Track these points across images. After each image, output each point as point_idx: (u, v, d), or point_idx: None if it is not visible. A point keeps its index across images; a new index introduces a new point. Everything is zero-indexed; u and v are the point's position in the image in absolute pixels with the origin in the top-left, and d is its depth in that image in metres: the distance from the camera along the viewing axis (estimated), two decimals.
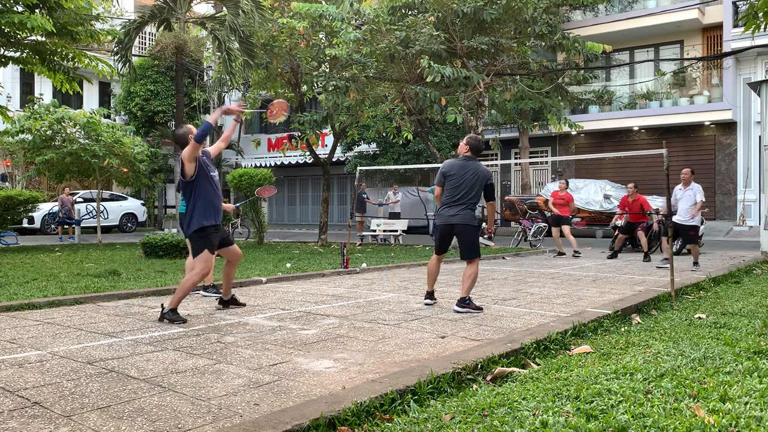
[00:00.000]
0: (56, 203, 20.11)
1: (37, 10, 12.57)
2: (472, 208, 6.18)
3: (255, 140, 20.92)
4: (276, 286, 7.94)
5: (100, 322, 5.31)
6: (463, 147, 6.39)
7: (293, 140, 18.51)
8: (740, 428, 2.60)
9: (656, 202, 17.45)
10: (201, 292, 6.91)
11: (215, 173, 5.70)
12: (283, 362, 3.94)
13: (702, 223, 13.46)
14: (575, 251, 12.53)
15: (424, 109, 15.04)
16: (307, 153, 17.86)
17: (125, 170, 16.08)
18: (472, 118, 14.08)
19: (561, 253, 12.65)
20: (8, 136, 15.20)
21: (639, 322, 5.30)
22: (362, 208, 17.93)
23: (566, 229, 12.79)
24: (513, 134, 23.16)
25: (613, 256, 12.23)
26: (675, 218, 10.09)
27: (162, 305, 5.45)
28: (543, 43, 13.97)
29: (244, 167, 18.32)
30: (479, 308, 5.97)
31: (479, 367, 3.67)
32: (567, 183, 13.49)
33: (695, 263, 10.03)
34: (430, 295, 6.39)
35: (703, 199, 10.10)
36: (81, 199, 21.17)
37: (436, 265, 6.36)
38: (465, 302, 5.96)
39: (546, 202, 19.55)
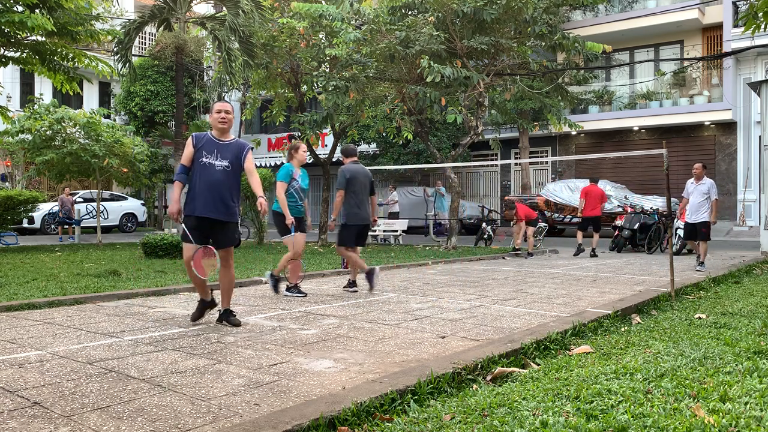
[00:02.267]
0: (56, 203, 20.11)
1: (37, 10, 12.57)
2: (368, 205, 7.33)
3: (255, 140, 20.92)
4: None
5: (100, 322, 5.31)
6: (346, 159, 7.38)
7: (293, 140, 18.51)
8: (740, 428, 2.60)
9: (656, 202, 17.49)
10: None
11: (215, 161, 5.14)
12: (283, 362, 3.94)
13: None
14: (522, 249, 13.05)
15: (424, 109, 15.04)
16: (307, 153, 17.85)
17: (125, 170, 16.08)
18: (472, 118, 14.09)
19: (530, 254, 12.93)
20: (8, 136, 15.20)
21: (639, 322, 5.30)
22: None
23: (530, 229, 13.11)
24: (513, 134, 23.16)
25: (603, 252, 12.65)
26: (686, 216, 10.03)
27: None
28: (543, 43, 13.97)
29: None
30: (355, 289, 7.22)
31: (479, 367, 3.67)
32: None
33: (701, 262, 9.77)
34: (352, 283, 7.33)
35: (718, 197, 9.88)
36: (81, 199, 21.16)
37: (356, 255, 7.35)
38: (354, 284, 7.25)
39: (546, 202, 19.60)
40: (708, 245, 10.09)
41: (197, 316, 5.30)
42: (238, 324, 5.15)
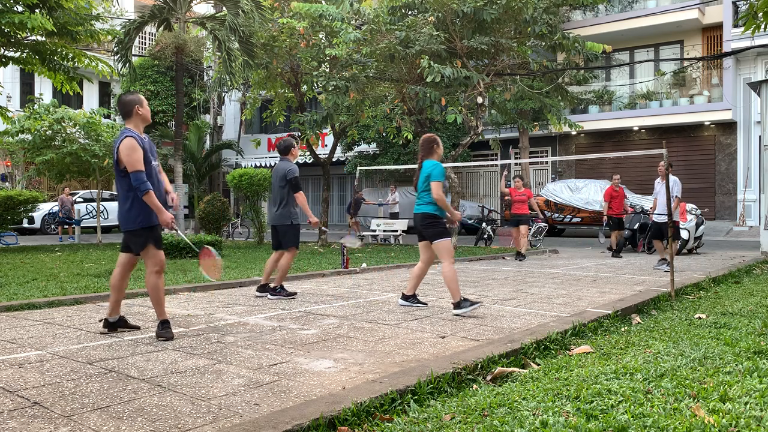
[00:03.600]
0: (56, 203, 20.12)
1: (37, 10, 12.57)
2: (284, 205, 6.80)
3: (255, 140, 20.95)
4: None
5: (100, 322, 5.30)
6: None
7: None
8: (740, 428, 2.60)
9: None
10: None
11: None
12: (283, 362, 3.94)
13: (703, 223, 13.47)
14: (519, 253, 12.04)
15: (424, 109, 15.04)
16: (307, 153, 17.86)
17: None
18: (472, 118, 14.09)
19: (521, 255, 12.05)
20: (8, 136, 15.21)
21: (639, 322, 5.30)
22: (356, 210, 17.94)
23: (524, 228, 12.15)
24: (513, 134, 23.16)
25: (615, 251, 12.51)
26: (654, 215, 10.16)
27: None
28: (543, 43, 13.97)
29: (244, 167, 18.33)
30: (292, 294, 6.78)
31: (479, 367, 3.67)
32: (522, 179, 12.75)
33: (662, 260, 9.77)
34: (263, 288, 6.91)
35: (679, 195, 9.81)
36: (81, 199, 21.17)
37: (275, 260, 6.95)
38: (276, 291, 6.72)
39: (546, 202, 19.59)
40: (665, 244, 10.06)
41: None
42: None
